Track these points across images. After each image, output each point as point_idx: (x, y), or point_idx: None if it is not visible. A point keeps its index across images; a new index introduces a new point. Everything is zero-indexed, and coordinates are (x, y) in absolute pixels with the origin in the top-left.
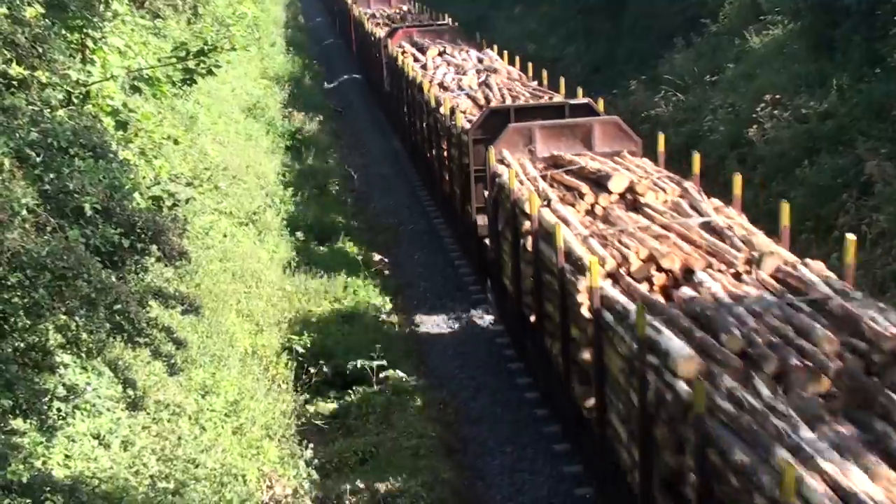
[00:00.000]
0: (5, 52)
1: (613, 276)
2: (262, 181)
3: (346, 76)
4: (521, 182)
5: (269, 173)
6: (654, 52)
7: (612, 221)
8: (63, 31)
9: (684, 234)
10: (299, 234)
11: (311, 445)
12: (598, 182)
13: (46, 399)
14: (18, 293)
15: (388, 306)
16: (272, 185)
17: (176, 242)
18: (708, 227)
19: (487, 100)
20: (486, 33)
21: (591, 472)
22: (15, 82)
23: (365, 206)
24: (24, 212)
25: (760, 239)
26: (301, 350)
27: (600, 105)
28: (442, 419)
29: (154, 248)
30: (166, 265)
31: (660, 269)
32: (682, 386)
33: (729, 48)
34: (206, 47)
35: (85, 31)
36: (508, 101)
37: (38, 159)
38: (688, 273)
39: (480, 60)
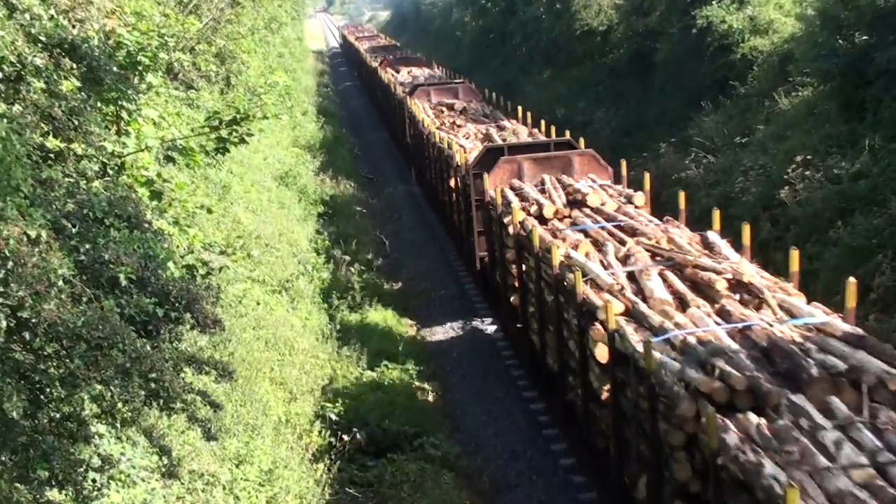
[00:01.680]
0: (42, 125)
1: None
2: (294, 248)
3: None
4: (419, 110)
5: (301, 240)
6: (684, 114)
7: (451, 118)
8: (98, 104)
9: (464, 113)
10: (332, 301)
11: None
12: (452, 107)
13: (82, 469)
14: (54, 363)
15: (421, 369)
16: (305, 252)
17: (209, 311)
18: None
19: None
20: (515, 98)
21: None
22: (52, 154)
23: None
24: (61, 282)
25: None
26: (335, 418)
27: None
28: (476, 487)
29: (188, 316)
30: (200, 333)
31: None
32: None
33: (758, 110)
34: (238, 116)
35: (120, 103)
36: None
37: (74, 230)
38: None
39: (429, 73)
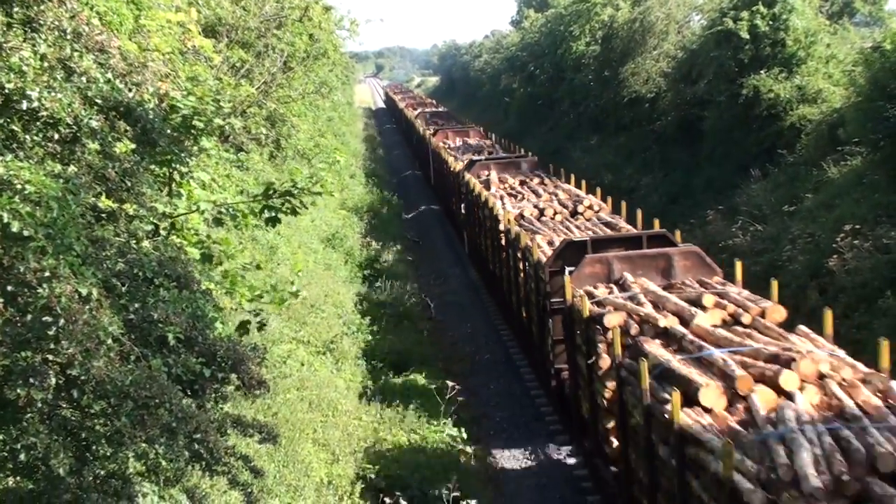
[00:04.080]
0: (96, 185)
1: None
2: (339, 310)
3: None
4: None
5: (346, 302)
6: (731, 182)
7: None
8: (151, 166)
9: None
10: (376, 363)
11: None
12: (443, 125)
13: None
14: (101, 421)
15: (464, 436)
16: (350, 314)
17: (255, 371)
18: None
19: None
20: (563, 164)
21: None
22: (104, 214)
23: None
24: (110, 341)
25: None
26: (377, 479)
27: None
28: None
29: (234, 376)
30: (245, 394)
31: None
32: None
33: (807, 178)
34: (294, 189)
35: (173, 165)
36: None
37: (124, 289)
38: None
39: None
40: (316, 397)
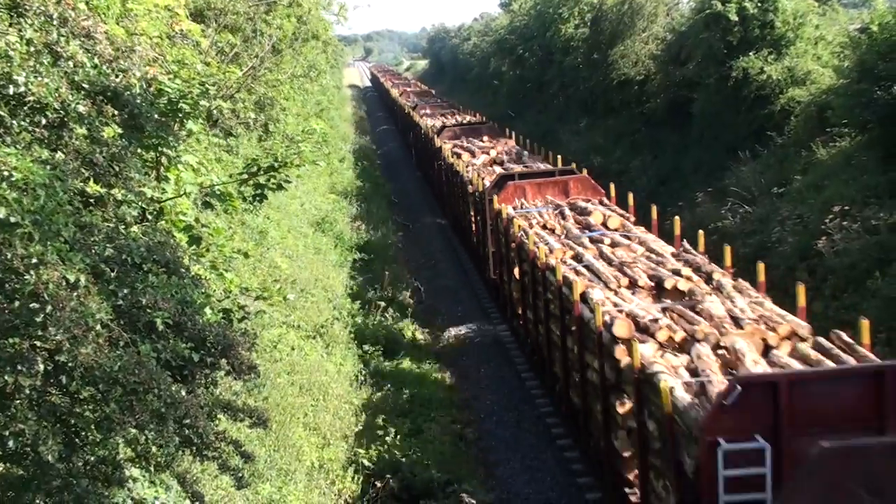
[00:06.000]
0: (84, 171)
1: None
2: (329, 294)
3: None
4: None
5: (337, 286)
6: (721, 164)
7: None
8: (139, 150)
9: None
10: (366, 347)
11: None
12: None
13: None
14: (90, 407)
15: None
16: (340, 298)
17: (245, 356)
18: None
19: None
20: (552, 146)
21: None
22: (92, 200)
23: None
24: (98, 327)
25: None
26: (367, 464)
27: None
28: None
29: (223, 362)
30: (235, 379)
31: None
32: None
33: (796, 160)
34: (276, 163)
35: (160, 149)
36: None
37: (112, 275)
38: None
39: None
40: (307, 381)
